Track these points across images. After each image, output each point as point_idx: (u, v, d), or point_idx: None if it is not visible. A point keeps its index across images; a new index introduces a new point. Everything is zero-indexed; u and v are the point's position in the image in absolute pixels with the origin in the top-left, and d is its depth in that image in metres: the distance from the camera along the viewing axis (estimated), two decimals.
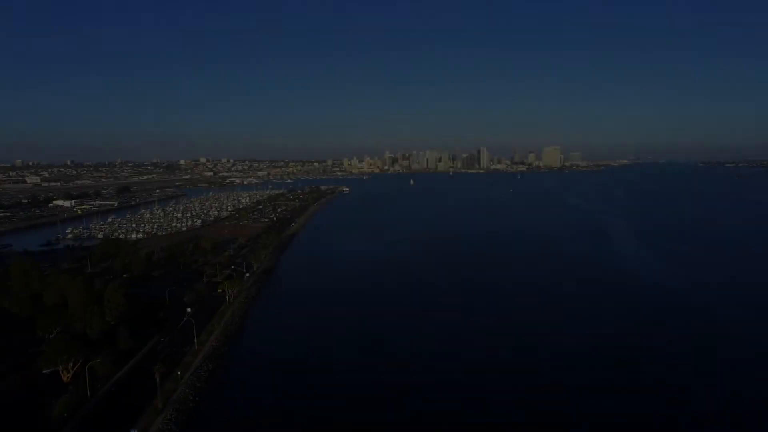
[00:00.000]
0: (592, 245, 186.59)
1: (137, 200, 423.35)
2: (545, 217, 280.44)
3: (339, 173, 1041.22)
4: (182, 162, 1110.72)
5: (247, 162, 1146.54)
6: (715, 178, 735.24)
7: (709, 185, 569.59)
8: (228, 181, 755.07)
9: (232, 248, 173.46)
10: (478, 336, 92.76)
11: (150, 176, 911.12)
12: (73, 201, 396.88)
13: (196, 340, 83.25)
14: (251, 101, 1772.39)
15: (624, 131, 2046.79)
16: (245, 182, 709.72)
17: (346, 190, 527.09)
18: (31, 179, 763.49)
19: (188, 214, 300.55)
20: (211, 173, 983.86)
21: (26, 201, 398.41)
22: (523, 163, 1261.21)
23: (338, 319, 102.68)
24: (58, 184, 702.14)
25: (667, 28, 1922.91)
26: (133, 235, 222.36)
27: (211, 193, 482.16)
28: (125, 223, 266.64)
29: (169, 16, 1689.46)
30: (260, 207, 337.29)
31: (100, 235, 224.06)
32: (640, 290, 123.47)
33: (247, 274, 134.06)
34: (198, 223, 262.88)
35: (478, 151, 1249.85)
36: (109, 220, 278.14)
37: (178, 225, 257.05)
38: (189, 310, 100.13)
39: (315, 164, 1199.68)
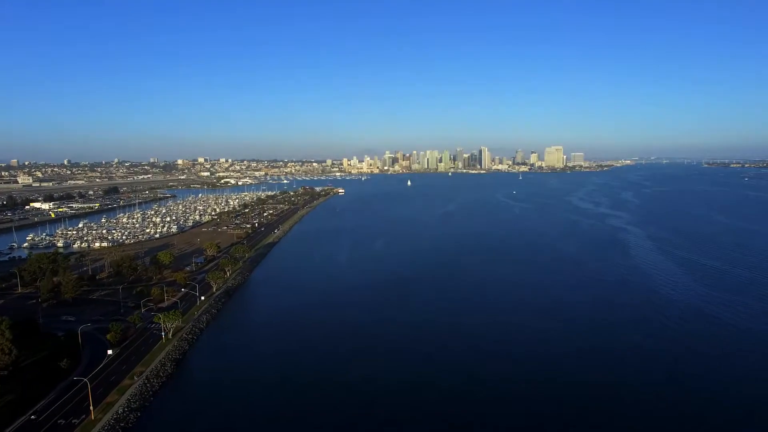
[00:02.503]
0: (619, 268, 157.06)
1: (121, 202, 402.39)
2: (556, 227, 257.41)
3: (338, 174, 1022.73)
4: (180, 162, 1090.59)
5: (245, 162, 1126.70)
6: (726, 179, 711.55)
7: (725, 188, 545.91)
8: (223, 181, 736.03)
9: (195, 262, 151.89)
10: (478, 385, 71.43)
11: (146, 176, 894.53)
12: (51, 203, 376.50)
13: (92, 408, 61.52)
14: (252, 101, 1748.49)
15: (626, 131, 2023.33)
16: (240, 183, 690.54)
17: (341, 191, 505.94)
18: (23, 179, 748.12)
19: (167, 219, 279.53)
20: (208, 173, 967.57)
21: (1, 203, 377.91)
22: (525, 163, 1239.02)
23: (303, 369, 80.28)
24: (50, 184, 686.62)
25: (670, 27, 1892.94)
26: (97, 244, 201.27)
27: (200, 195, 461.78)
28: (96, 229, 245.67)
29: (170, 16, 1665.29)
30: (246, 210, 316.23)
31: (61, 243, 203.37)
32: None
33: (202, 298, 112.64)
34: (174, 229, 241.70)
35: (480, 151, 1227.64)
36: (80, 225, 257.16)
37: (152, 231, 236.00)
38: (110, 352, 78.96)
39: (314, 164, 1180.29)
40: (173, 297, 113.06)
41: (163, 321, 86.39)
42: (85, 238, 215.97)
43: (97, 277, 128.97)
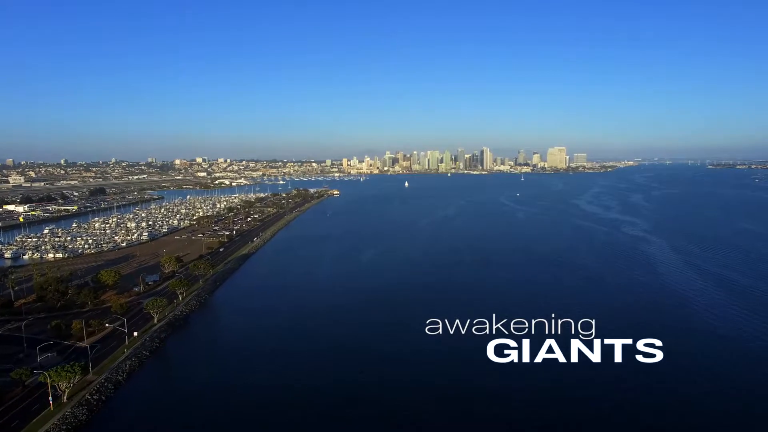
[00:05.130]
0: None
1: (103, 204, 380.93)
2: (566, 235, 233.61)
3: (337, 174, 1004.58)
4: (177, 162, 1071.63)
5: (243, 162, 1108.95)
6: (735, 181, 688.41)
7: (738, 190, 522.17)
8: (217, 182, 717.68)
9: (147, 281, 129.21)
10: None
11: (141, 177, 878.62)
12: (26, 206, 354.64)
13: None
14: (252, 101, 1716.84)
15: (629, 132, 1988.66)
16: (234, 184, 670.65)
17: (336, 193, 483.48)
18: (15, 179, 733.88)
19: (143, 224, 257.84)
20: (205, 173, 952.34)
21: None
22: (527, 164, 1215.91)
23: None
24: (42, 184, 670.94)
25: (671, 26, 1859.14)
26: (51, 254, 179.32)
27: (189, 197, 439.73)
28: (60, 235, 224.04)
29: (168, 15, 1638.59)
30: (231, 215, 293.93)
31: (8, 254, 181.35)
32: None
33: (135, 333, 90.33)
34: (144, 236, 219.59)
35: (481, 152, 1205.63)
36: (45, 231, 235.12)
37: (120, 239, 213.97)
38: None
39: (313, 164, 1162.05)
40: (100, 332, 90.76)
41: (51, 378, 63.78)
42: (43, 247, 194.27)
43: (15, 303, 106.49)
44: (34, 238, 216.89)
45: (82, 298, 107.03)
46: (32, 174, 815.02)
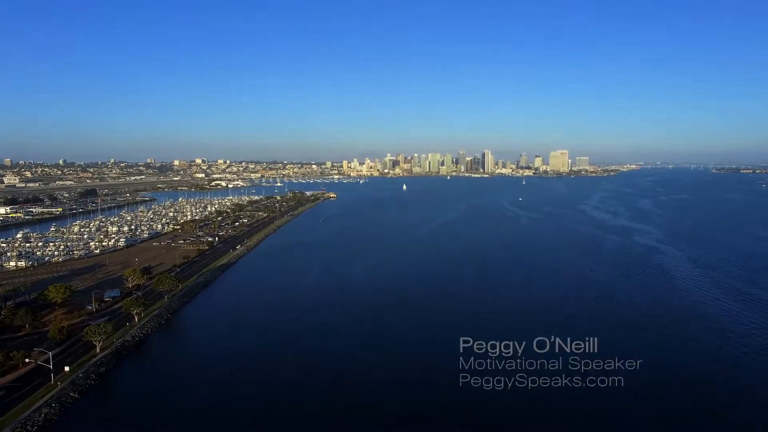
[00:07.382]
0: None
1: (89, 206, 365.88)
2: (574, 244, 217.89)
3: (336, 176, 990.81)
4: (176, 163, 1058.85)
5: (243, 163, 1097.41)
6: (742, 186, 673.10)
7: (747, 195, 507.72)
8: (213, 183, 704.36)
9: (104, 298, 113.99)
10: None
11: (138, 177, 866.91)
12: (8, 207, 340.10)
13: None
14: (253, 102, 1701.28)
15: (631, 135, 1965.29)
16: (230, 185, 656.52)
17: (333, 196, 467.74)
18: (9, 179, 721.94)
19: (125, 228, 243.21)
20: (203, 175, 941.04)
21: None
22: (529, 167, 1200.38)
23: None
24: (37, 185, 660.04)
25: (674, 29, 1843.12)
26: (12, 263, 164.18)
27: (180, 199, 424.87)
28: (32, 240, 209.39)
29: (167, 16, 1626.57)
30: (219, 219, 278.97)
31: None
32: None
33: (66, 369, 75.09)
34: (122, 242, 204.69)
35: (482, 155, 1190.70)
36: (18, 235, 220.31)
37: (95, 245, 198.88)
38: None
39: (313, 166, 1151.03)
40: (24, 367, 75.48)
41: None
42: (9, 254, 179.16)
43: None
44: (3, 243, 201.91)
45: (18, 320, 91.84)
46: (28, 174, 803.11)
